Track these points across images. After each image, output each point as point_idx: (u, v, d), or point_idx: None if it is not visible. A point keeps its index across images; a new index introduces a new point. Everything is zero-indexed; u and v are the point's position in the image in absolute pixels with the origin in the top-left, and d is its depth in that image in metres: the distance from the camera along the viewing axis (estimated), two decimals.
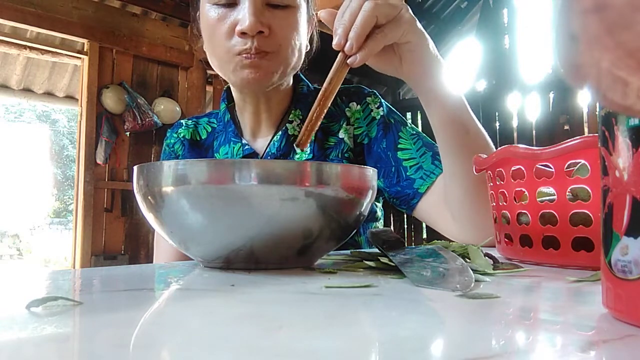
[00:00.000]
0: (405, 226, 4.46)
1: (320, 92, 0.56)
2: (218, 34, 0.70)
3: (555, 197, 0.46)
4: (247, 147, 0.79)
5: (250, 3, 0.67)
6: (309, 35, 0.80)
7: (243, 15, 0.67)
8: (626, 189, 0.23)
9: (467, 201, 0.65)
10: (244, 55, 0.69)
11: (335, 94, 0.57)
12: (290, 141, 0.78)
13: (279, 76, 0.73)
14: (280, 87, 0.78)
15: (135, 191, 0.44)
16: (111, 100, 3.21)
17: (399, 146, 0.76)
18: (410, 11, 0.58)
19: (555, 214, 0.46)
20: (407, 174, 0.74)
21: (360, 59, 0.55)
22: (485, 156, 0.54)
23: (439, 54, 0.62)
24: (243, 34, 0.67)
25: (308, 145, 0.70)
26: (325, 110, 0.57)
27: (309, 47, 0.80)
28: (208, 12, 0.71)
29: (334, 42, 0.55)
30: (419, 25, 0.59)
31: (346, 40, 0.54)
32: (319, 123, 0.57)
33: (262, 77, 0.71)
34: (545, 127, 3.61)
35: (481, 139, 0.64)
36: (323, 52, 0.84)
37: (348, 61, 0.55)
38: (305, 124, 0.56)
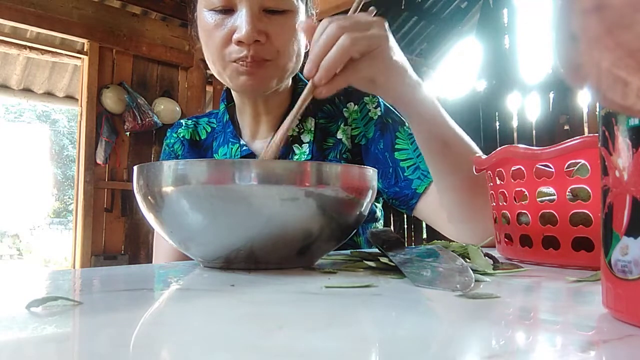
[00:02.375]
0: (405, 226, 4.46)
1: (289, 117, 0.55)
2: (215, 41, 0.69)
3: (555, 197, 0.46)
4: (244, 148, 0.79)
5: (247, 10, 0.66)
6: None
7: (240, 22, 0.66)
8: (626, 189, 0.23)
9: (458, 209, 0.66)
10: (240, 62, 0.68)
11: (298, 119, 0.56)
12: (288, 142, 0.78)
13: (276, 82, 0.73)
14: (278, 89, 0.78)
15: (135, 191, 0.44)
16: (111, 100, 3.21)
17: (396, 147, 0.76)
18: (392, 42, 0.54)
19: (555, 214, 0.46)
20: (405, 174, 0.74)
21: (326, 93, 0.53)
22: (485, 156, 0.54)
23: (417, 77, 0.60)
24: (240, 42, 0.67)
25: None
26: (287, 134, 0.56)
27: (308, 47, 0.80)
28: (205, 18, 0.70)
29: (305, 69, 0.53)
30: (396, 59, 0.55)
31: (317, 70, 0.52)
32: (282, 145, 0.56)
33: (259, 84, 0.71)
34: (545, 127, 3.61)
35: (464, 152, 0.63)
36: None
37: (315, 92, 0.53)
38: (278, 140, 0.55)
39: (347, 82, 0.53)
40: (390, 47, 0.54)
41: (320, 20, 0.56)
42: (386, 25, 0.54)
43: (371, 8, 0.58)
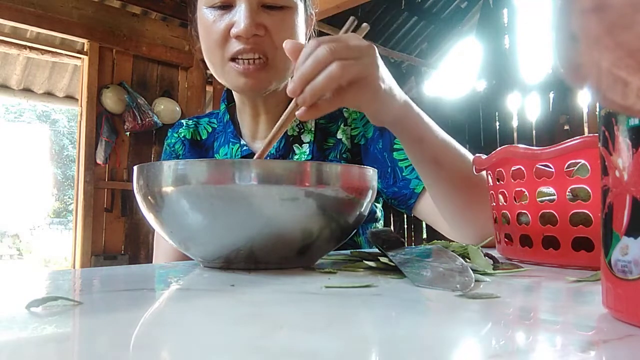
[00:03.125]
0: (405, 226, 4.46)
1: (270, 135, 0.54)
2: (214, 37, 0.70)
3: (555, 197, 0.46)
4: (245, 148, 0.80)
5: (245, 5, 0.67)
6: (308, 35, 0.80)
7: (238, 17, 0.67)
8: (626, 189, 0.23)
9: (453, 217, 0.66)
10: (239, 58, 0.69)
11: (281, 135, 0.54)
12: (289, 142, 0.78)
13: (275, 84, 0.73)
14: (278, 89, 0.78)
15: (135, 191, 0.44)
16: (111, 100, 3.21)
17: (395, 147, 0.76)
18: (381, 70, 0.52)
19: (555, 214, 0.46)
20: (403, 174, 0.74)
21: (308, 117, 0.51)
22: (484, 156, 0.54)
23: (405, 99, 0.58)
24: (239, 36, 0.67)
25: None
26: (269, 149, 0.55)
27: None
28: (204, 15, 0.71)
29: (289, 87, 0.49)
30: (384, 87, 0.52)
31: (301, 91, 0.48)
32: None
33: (259, 86, 0.71)
34: (545, 127, 3.61)
35: (456, 167, 0.62)
36: None
37: (297, 112, 0.51)
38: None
39: (332, 108, 0.51)
40: (378, 76, 0.51)
41: (309, 35, 0.53)
42: (376, 51, 0.51)
43: (364, 25, 0.56)
